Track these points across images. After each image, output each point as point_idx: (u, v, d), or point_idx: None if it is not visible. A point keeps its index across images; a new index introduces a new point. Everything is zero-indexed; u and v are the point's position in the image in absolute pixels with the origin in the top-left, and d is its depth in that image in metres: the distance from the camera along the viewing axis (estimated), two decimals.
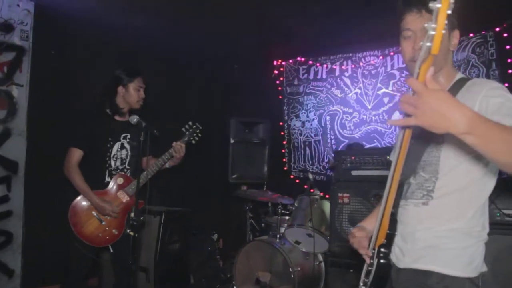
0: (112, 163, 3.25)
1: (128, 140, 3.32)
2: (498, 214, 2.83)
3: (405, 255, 1.69)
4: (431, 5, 1.09)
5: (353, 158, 3.43)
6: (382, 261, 1.64)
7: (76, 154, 3.14)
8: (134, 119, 3.06)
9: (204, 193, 5.98)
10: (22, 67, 4.15)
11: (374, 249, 1.70)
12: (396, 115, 5.34)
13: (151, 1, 4.32)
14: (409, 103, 1.14)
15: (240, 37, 5.42)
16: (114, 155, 3.26)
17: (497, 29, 4.69)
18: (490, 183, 1.61)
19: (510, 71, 4.60)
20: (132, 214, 2.98)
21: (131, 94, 3.26)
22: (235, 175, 5.55)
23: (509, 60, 4.64)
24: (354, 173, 3.43)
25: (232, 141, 5.57)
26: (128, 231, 2.99)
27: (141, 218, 3.06)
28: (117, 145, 3.28)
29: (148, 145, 2.99)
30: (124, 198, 3.22)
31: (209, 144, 6.15)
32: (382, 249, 1.65)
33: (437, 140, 1.61)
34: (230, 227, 5.80)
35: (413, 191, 1.70)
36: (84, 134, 3.19)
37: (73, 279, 3.22)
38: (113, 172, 3.24)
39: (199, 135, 3.44)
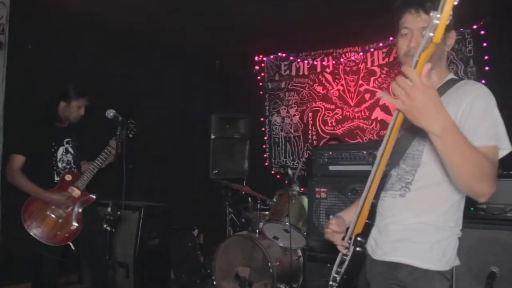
0: (59, 164, 3.33)
1: (70, 144, 3.42)
2: (471, 208, 2.87)
3: (379, 247, 1.72)
4: None
5: (330, 153, 3.44)
6: (358, 249, 1.67)
7: (18, 160, 3.19)
8: (111, 113, 3.12)
9: (184, 188, 5.95)
10: None
11: (350, 238, 1.72)
12: (377, 111, 5.39)
13: None
14: (403, 88, 1.18)
15: (221, 32, 5.40)
16: (60, 158, 3.35)
17: (475, 27, 4.76)
18: None
19: (487, 68, 4.67)
20: (109, 209, 2.99)
21: (72, 110, 3.37)
22: (216, 171, 5.55)
23: (486, 57, 4.70)
24: (331, 168, 3.45)
25: (212, 137, 5.56)
26: (104, 226, 3.00)
27: (118, 213, 3.08)
28: (62, 150, 3.37)
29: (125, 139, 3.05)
30: (75, 193, 3.28)
31: (189, 140, 6.15)
32: (358, 238, 1.67)
33: (423, 135, 1.62)
34: (210, 223, 5.78)
35: (393, 183, 1.72)
36: (27, 140, 3.26)
37: (43, 278, 3.24)
38: (61, 172, 3.31)
39: (135, 129, 3.52)
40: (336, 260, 1.89)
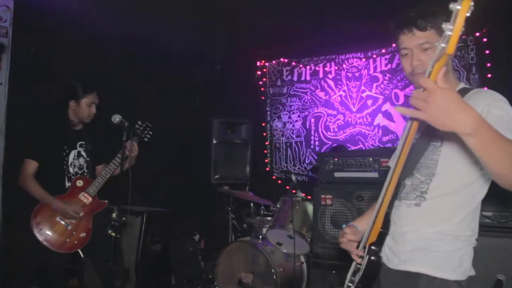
0: (71, 169, 3.25)
1: (84, 147, 3.33)
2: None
3: (395, 256, 1.71)
4: (451, 6, 1.11)
5: (336, 159, 3.44)
6: (373, 258, 1.67)
7: (32, 166, 3.13)
8: (117, 118, 3.08)
9: (186, 193, 5.93)
10: (1, 64, 4.04)
11: (364, 247, 1.72)
12: (379, 118, 5.40)
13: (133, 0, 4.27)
14: (420, 98, 1.17)
15: (223, 37, 5.40)
16: (72, 162, 3.26)
17: (477, 34, 4.77)
18: (483, 189, 1.64)
19: (489, 75, 4.69)
20: (114, 215, 2.97)
21: (82, 109, 3.24)
22: (217, 176, 5.55)
23: (488, 65, 4.72)
24: (337, 174, 3.45)
25: (214, 142, 5.56)
26: (109, 231, 2.97)
27: (123, 218, 3.05)
28: (74, 153, 3.28)
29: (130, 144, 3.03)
30: (87, 199, 3.20)
31: (191, 145, 6.13)
32: (372, 247, 1.68)
33: (436, 144, 1.63)
34: (211, 228, 5.76)
35: (407, 192, 1.72)
36: (39, 144, 3.17)
37: (52, 283, 3.20)
38: (72, 177, 3.24)
39: (150, 132, 3.44)
40: (350, 269, 1.89)
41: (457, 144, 1.56)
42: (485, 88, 1.68)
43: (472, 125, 1.14)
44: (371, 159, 3.27)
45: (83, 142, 3.33)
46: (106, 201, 3.29)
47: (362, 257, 1.74)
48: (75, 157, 3.28)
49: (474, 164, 1.57)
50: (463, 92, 1.69)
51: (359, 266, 1.78)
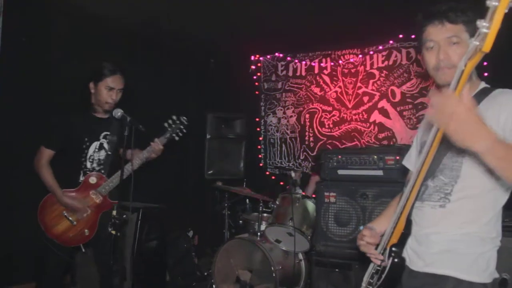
0: (88, 164, 3.08)
1: (107, 139, 3.13)
2: None
3: (420, 258, 1.69)
4: (488, 2, 1.08)
5: (339, 157, 3.41)
6: (396, 260, 1.65)
7: (46, 153, 2.99)
8: (118, 113, 2.90)
9: (179, 188, 5.85)
10: None
11: (385, 249, 1.69)
12: (375, 114, 5.39)
13: None
14: (444, 110, 1.20)
15: (217, 31, 5.32)
16: (91, 156, 3.09)
17: None
18: (508, 191, 1.63)
19: (485, 74, 4.70)
20: (114, 212, 2.86)
21: (101, 94, 3.01)
22: (211, 171, 5.49)
23: (485, 64, 4.73)
24: (340, 172, 3.41)
25: (208, 137, 5.50)
26: (109, 229, 2.87)
27: (124, 216, 2.96)
28: (95, 146, 3.09)
29: (133, 140, 2.87)
30: (97, 198, 3.05)
31: (185, 139, 6.01)
32: (394, 249, 1.66)
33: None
34: (205, 224, 5.70)
35: (430, 194, 1.69)
36: (57, 134, 3.02)
37: (50, 278, 3.07)
38: (88, 173, 3.08)
39: (184, 130, 3.26)
40: (368, 271, 1.86)
41: None
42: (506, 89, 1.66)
43: (487, 146, 1.20)
44: (375, 156, 3.24)
45: (108, 133, 3.12)
46: (117, 201, 3.02)
47: (383, 260, 1.70)
48: (96, 150, 3.08)
49: None
50: (484, 92, 1.67)
51: (378, 268, 1.75)
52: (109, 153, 3.12)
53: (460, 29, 1.58)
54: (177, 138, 3.27)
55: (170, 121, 3.24)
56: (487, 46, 1.12)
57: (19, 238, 3.90)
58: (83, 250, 3.08)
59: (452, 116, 1.18)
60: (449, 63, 1.58)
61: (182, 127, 3.25)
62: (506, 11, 1.07)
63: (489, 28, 1.09)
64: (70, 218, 3.00)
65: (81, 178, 3.05)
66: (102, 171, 3.12)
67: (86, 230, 3.05)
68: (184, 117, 3.26)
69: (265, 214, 4.39)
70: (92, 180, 3.05)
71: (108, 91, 3.01)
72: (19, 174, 3.69)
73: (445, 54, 1.59)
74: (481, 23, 1.10)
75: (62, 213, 3.00)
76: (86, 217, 3.03)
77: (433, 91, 1.24)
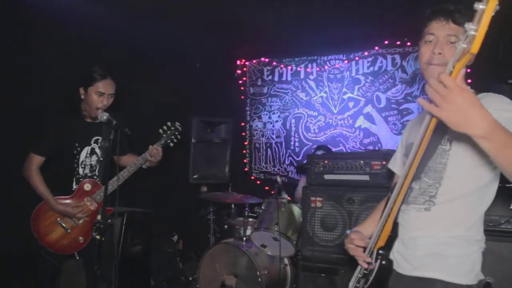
0: (80, 170, 3.03)
1: (99, 144, 3.08)
2: None
3: (407, 261, 1.70)
4: (475, 5, 1.10)
5: (326, 161, 3.41)
6: (384, 262, 1.65)
7: (36, 160, 2.93)
8: (104, 116, 2.85)
9: (163, 193, 5.80)
10: None
11: (372, 252, 1.70)
12: (361, 120, 5.43)
13: None
14: (438, 93, 1.19)
15: (203, 35, 5.30)
16: (83, 161, 3.03)
17: None
18: (491, 192, 1.66)
19: (469, 81, 4.78)
20: (99, 217, 2.81)
21: (90, 99, 2.93)
22: (196, 175, 5.44)
23: (468, 70, 4.80)
24: (326, 177, 3.42)
25: (193, 141, 5.44)
26: (94, 234, 2.83)
27: (108, 221, 2.91)
28: (86, 151, 3.04)
29: (119, 144, 2.83)
30: (92, 205, 3.01)
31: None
32: (381, 251, 1.67)
33: (445, 148, 1.63)
34: (190, 228, 5.65)
35: (415, 197, 1.70)
36: (47, 140, 2.96)
37: (41, 285, 3.04)
38: (80, 179, 3.02)
39: (178, 136, 3.22)
40: (354, 274, 1.86)
41: (467, 148, 1.57)
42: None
43: (485, 128, 1.18)
44: (362, 161, 3.25)
45: (100, 138, 3.07)
46: (112, 208, 2.99)
47: (370, 262, 1.71)
48: (88, 155, 3.03)
49: (483, 167, 1.58)
50: None
51: (365, 272, 1.75)
52: (101, 158, 3.07)
53: (460, 30, 1.62)
54: (172, 145, 3.22)
55: (164, 127, 3.20)
56: (475, 48, 1.13)
57: (19, 238, 3.83)
58: (77, 257, 3.03)
59: (446, 98, 1.17)
60: (441, 61, 1.62)
61: (177, 133, 3.21)
62: (493, 14, 1.09)
63: (476, 31, 1.11)
64: (64, 226, 2.96)
65: (74, 185, 3.00)
66: (94, 177, 3.07)
67: (80, 238, 3.01)
68: (178, 123, 3.22)
69: (250, 219, 4.38)
70: (87, 187, 3.01)
71: (98, 96, 2.94)
72: (19, 174, 3.61)
73: (440, 49, 1.63)
74: (469, 26, 1.12)
75: (57, 220, 2.95)
76: (80, 224, 2.99)
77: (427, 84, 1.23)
